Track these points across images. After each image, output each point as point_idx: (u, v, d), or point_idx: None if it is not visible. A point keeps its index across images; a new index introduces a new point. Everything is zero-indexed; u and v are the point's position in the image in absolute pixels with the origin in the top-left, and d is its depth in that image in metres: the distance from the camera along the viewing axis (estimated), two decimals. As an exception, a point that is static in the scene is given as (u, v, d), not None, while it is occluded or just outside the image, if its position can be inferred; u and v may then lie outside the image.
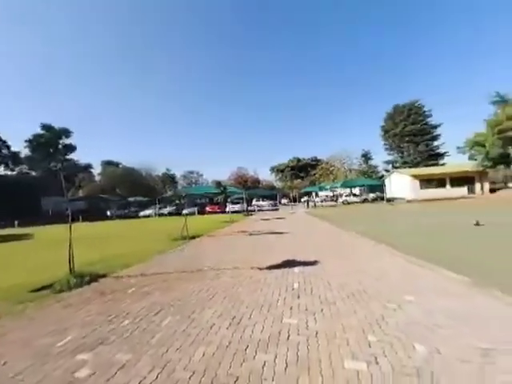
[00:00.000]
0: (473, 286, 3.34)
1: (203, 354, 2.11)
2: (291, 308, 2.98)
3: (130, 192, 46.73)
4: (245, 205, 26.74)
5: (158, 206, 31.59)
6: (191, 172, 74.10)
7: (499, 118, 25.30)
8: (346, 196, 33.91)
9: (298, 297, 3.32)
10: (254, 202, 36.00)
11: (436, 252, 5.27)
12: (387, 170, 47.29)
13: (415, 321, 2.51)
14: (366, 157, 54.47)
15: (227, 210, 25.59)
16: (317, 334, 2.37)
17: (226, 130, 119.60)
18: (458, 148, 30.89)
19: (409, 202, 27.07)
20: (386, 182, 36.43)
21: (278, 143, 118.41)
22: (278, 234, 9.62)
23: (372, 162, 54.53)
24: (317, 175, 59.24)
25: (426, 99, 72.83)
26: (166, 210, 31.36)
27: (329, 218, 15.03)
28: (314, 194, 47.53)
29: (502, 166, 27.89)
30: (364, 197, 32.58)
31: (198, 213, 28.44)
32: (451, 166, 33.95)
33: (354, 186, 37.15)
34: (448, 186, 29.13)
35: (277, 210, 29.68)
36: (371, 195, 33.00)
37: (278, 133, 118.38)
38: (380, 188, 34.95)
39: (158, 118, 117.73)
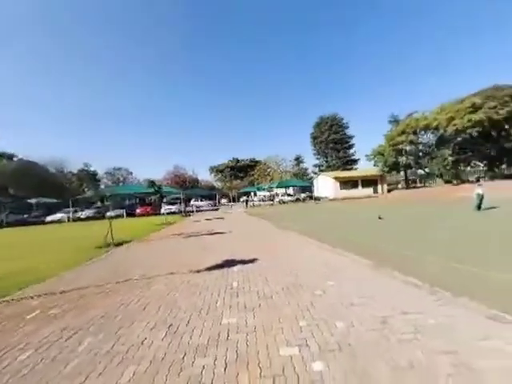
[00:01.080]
0: (376, 268, 4.15)
1: (133, 373, 1.90)
2: (230, 307, 3.00)
3: (32, 192, 37.33)
4: (182, 205, 25.33)
5: (72, 208, 26.39)
6: (118, 169, 64.82)
7: (393, 133, 32.25)
8: (282, 196, 36.52)
9: (237, 295, 3.37)
10: (192, 202, 34.54)
11: (352, 242, 6.29)
12: (315, 173, 53.52)
13: (335, 302, 2.93)
14: (299, 160, 60.09)
15: (162, 211, 23.65)
16: (255, 328, 2.47)
17: (160, 127, 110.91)
18: (367, 156, 37.95)
19: (331, 200, 31.32)
20: (315, 183, 41.22)
21: (217, 143, 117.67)
22: (217, 234, 9.53)
23: (304, 165, 60.69)
24: (255, 176, 61.61)
25: (345, 112, 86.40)
26: (83, 214, 26.52)
27: (266, 216, 15.85)
28: (252, 193, 49.21)
29: (394, 172, 35.75)
30: (297, 196, 35.83)
31: (128, 215, 25.25)
32: (362, 171, 41.26)
33: (289, 187, 40.44)
34: (360, 187, 35.20)
35: (216, 210, 29.35)
36: (302, 195, 36.59)
37: (217, 133, 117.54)
38: (310, 188, 39.36)
39: (77, 107, 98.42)
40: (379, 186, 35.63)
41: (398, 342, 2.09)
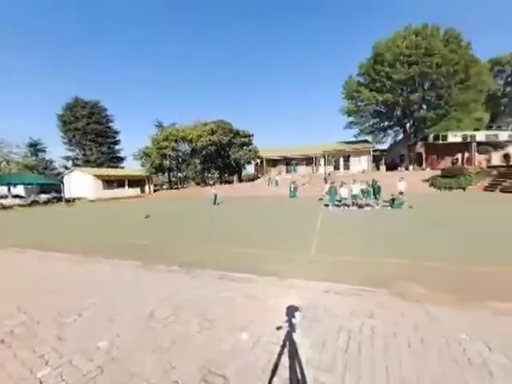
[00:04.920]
0: (143, 266, 4.22)
1: None
2: None
3: None
4: None
5: None
6: None
7: (159, 138, 34.96)
8: (1, 198, 23.71)
9: None
10: None
11: (114, 245, 5.79)
12: (67, 167, 41.63)
13: (98, 320, 2.52)
14: (36, 148, 43.08)
15: None
16: None
17: None
18: (134, 156, 37.22)
19: (92, 201, 26.47)
20: (66, 180, 31.94)
21: None
22: None
23: (46, 156, 44.61)
24: None
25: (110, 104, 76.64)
26: None
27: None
28: None
29: (160, 173, 39.03)
30: (33, 198, 25.27)
31: None
32: (129, 170, 39.73)
33: (16, 185, 27.28)
34: (127, 187, 33.56)
35: None
36: (44, 196, 26.61)
37: None
38: (57, 187, 29.77)
39: None
40: (147, 186, 36.63)
41: (163, 327, 2.31)
